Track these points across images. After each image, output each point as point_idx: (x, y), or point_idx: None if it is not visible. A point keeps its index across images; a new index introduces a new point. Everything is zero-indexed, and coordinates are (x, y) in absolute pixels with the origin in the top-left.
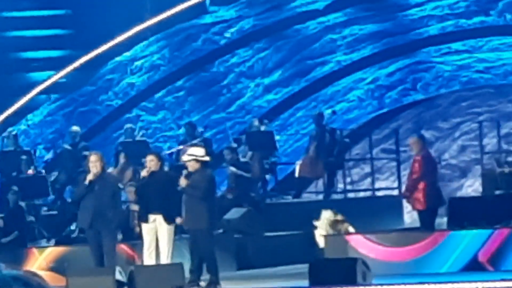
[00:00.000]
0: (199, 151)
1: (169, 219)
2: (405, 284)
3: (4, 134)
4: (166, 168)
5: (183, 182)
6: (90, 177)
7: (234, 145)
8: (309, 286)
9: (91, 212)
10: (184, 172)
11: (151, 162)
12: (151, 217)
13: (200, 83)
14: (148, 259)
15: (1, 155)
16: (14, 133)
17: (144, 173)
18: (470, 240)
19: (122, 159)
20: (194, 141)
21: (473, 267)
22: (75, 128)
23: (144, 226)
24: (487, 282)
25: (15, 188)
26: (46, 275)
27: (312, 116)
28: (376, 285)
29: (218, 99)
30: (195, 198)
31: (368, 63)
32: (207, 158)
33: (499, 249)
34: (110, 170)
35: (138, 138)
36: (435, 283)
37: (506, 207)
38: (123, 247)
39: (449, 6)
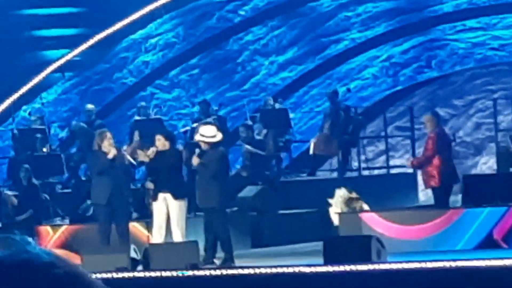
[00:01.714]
0: (210, 131)
1: (178, 197)
2: (419, 261)
3: (19, 112)
4: (178, 147)
5: (195, 160)
6: (109, 155)
7: (250, 122)
8: (324, 263)
9: (108, 189)
10: (197, 150)
11: (158, 142)
12: (161, 195)
13: (214, 61)
14: (157, 237)
15: (16, 134)
16: (28, 111)
17: (149, 152)
18: (485, 218)
19: (136, 137)
20: (208, 119)
21: (488, 244)
22: (90, 106)
23: (154, 204)
24: (502, 259)
25: (26, 166)
26: (60, 253)
27: (327, 94)
28: (391, 262)
29: (233, 77)
30: (207, 177)
31: (382, 40)
32: (218, 138)
33: None
34: (124, 148)
35: (152, 116)
36: (449, 260)
37: None
38: (138, 225)
39: None
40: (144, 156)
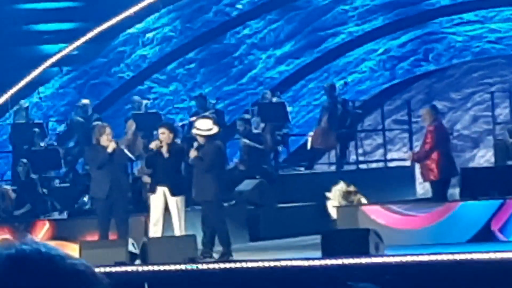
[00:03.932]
0: (206, 124)
1: (176, 192)
2: (417, 255)
3: (16, 107)
4: (177, 140)
5: (192, 154)
6: (108, 149)
7: (247, 116)
8: (322, 257)
9: (108, 184)
10: (194, 144)
11: (162, 135)
12: (159, 189)
13: (211, 54)
14: (153, 232)
15: (13, 128)
16: (25, 105)
17: (152, 145)
18: (482, 210)
19: (130, 130)
20: (206, 113)
21: (485, 237)
22: (84, 100)
23: (152, 198)
24: (499, 252)
25: (24, 160)
26: (57, 244)
27: (324, 88)
28: (389, 255)
29: (230, 70)
30: (204, 170)
31: (379, 34)
32: (214, 131)
33: (511, 219)
34: (120, 141)
35: (143, 108)
36: (447, 253)
37: None
38: (136, 219)
39: None
40: (156, 146)
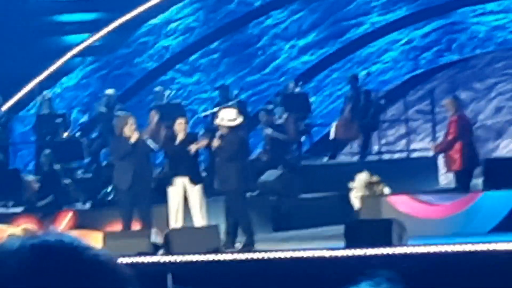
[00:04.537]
0: (230, 114)
1: (197, 181)
2: (440, 245)
3: (40, 97)
4: (198, 131)
5: (215, 144)
6: (131, 139)
7: (270, 106)
8: (345, 247)
9: (130, 174)
10: (218, 134)
11: (179, 126)
12: (178, 180)
13: (234, 45)
14: (176, 222)
15: (37, 119)
16: (49, 96)
17: (180, 136)
18: (504, 200)
19: (153, 121)
20: (229, 103)
21: (507, 227)
22: (109, 91)
23: (170, 189)
24: None
25: (47, 151)
26: (80, 233)
27: (347, 78)
28: (413, 246)
29: (253, 61)
30: (226, 160)
31: (402, 24)
32: (238, 121)
33: None
34: (143, 132)
35: (166, 99)
36: (468, 243)
37: None
38: (159, 210)
39: None
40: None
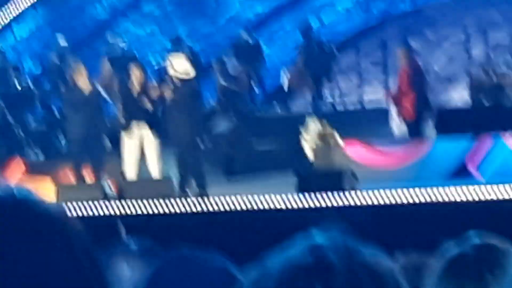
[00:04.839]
0: (183, 66)
1: (153, 133)
2: (391, 189)
3: None
4: (152, 82)
5: (168, 95)
6: (84, 90)
7: (224, 57)
8: (298, 196)
9: (84, 124)
10: (170, 85)
11: (134, 76)
12: (134, 130)
13: None
14: (132, 173)
15: None
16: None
17: (136, 86)
18: (457, 149)
19: (107, 71)
20: (181, 54)
21: (460, 175)
22: (62, 41)
23: (126, 140)
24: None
25: (0, 101)
26: (34, 179)
27: (300, 28)
28: (363, 190)
29: (206, 11)
30: (180, 112)
31: None
32: (191, 75)
33: (485, 157)
34: (96, 82)
35: (119, 49)
36: (420, 187)
37: (493, 117)
38: (112, 160)
39: None
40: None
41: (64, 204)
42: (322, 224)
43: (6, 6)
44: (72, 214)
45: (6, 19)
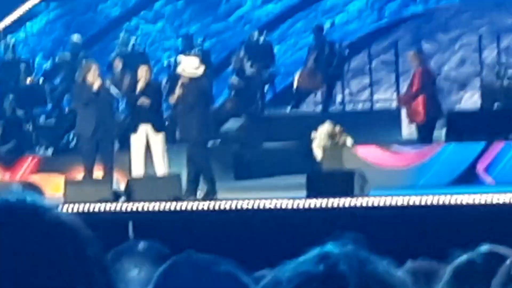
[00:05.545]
0: (193, 63)
1: (159, 129)
2: (402, 196)
3: (2, 42)
4: (162, 79)
5: (178, 92)
6: (94, 86)
7: (242, 54)
8: (307, 197)
9: (93, 121)
10: (179, 82)
11: (143, 73)
12: (141, 127)
13: None
14: (136, 171)
15: (0, 64)
16: (12, 41)
17: (140, 83)
18: (467, 152)
19: (117, 68)
20: (191, 52)
21: (469, 178)
22: (76, 37)
23: (133, 136)
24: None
25: (10, 96)
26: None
27: (311, 27)
28: (374, 196)
29: (218, 8)
30: (189, 109)
31: None
32: (200, 71)
33: (495, 161)
34: (106, 79)
35: (130, 46)
36: (429, 194)
37: (505, 121)
38: (121, 157)
39: None
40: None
41: (72, 204)
42: (331, 227)
43: (18, 2)
44: (78, 211)
45: (18, 14)
